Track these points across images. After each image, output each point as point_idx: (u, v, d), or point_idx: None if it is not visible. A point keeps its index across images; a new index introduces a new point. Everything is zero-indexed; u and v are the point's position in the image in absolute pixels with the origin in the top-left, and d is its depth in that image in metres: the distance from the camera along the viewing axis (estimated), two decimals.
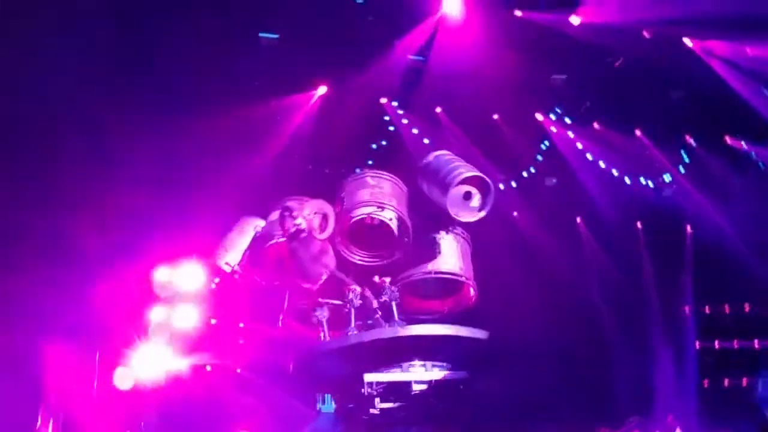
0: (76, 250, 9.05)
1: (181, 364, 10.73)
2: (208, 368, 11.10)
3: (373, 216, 6.11)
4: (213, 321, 11.06)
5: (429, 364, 5.87)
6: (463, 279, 6.30)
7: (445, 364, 5.94)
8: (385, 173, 6.52)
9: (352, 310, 6.00)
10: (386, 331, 5.77)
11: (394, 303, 5.99)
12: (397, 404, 5.85)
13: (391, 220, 6.09)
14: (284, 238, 6.04)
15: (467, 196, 5.85)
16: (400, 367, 5.84)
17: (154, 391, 9.92)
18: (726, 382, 11.63)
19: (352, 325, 5.97)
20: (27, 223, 8.73)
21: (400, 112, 11.02)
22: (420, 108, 10.86)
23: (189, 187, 9.73)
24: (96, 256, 9.11)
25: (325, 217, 5.92)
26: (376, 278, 6.17)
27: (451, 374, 5.94)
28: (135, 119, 8.79)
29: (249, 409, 10.44)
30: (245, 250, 6.57)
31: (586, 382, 10.76)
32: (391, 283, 6.09)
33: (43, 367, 8.79)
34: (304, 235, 5.82)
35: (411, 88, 10.53)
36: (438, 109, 10.97)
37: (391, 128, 11.09)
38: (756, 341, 11.64)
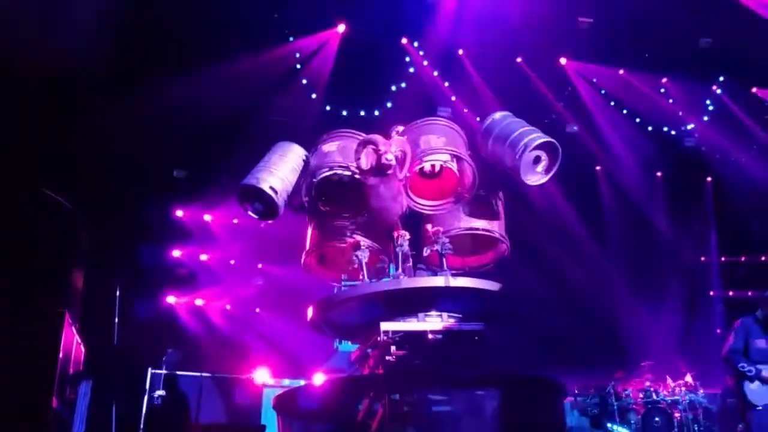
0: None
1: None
2: (228, 307, 11.37)
3: (447, 165, 5.98)
4: (232, 262, 11.36)
5: (445, 314, 5.87)
6: (499, 236, 6.28)
7: (460, 315, 5.95)
8: (452, 122, 6.35)
9: (400, 254, 5.84)
10: (436, 280, 5.73)
11: (445, 254, 5.95)
12: (412, 352, 5.88)
13: (460, 171, 6.01)
14: (350, 173, 5.81)
15: (536, 160, 5.78)
16: (416, 316, 5.85)
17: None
18: None
19: (400, 269, 5.81)
20: None
21: (421, 53, 10.80)
22: (442, 50, 10.62)
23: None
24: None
25: (404, 157, 5.69)
26: (429, 227, 6.08)
27: (466, 325, 5.96)
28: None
29: (267, 346, 10.66)
30: (291, 179, 5.88)
31: (603, 330, 10.90)
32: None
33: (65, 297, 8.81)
34: (390, 171, 5.59)
35: (433, 29, 10.26)
36: (460, 51, 10.73)
37: (411, 70, 10.89)
38: None
